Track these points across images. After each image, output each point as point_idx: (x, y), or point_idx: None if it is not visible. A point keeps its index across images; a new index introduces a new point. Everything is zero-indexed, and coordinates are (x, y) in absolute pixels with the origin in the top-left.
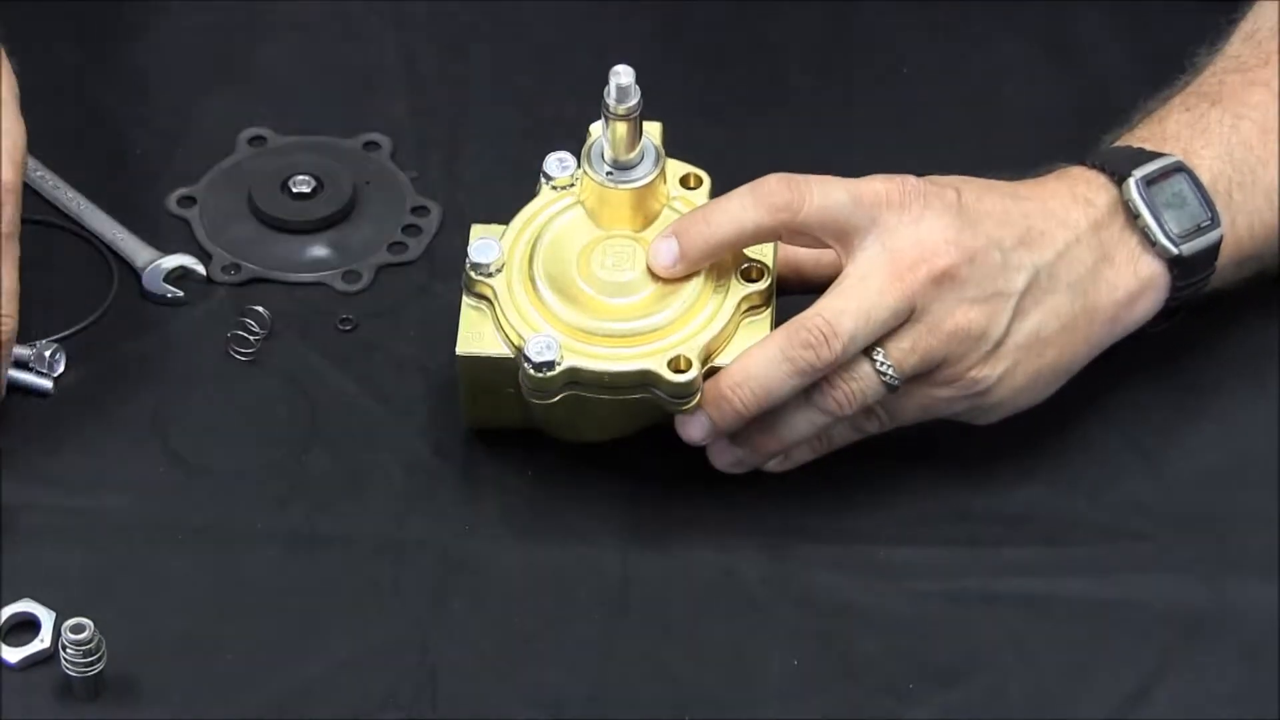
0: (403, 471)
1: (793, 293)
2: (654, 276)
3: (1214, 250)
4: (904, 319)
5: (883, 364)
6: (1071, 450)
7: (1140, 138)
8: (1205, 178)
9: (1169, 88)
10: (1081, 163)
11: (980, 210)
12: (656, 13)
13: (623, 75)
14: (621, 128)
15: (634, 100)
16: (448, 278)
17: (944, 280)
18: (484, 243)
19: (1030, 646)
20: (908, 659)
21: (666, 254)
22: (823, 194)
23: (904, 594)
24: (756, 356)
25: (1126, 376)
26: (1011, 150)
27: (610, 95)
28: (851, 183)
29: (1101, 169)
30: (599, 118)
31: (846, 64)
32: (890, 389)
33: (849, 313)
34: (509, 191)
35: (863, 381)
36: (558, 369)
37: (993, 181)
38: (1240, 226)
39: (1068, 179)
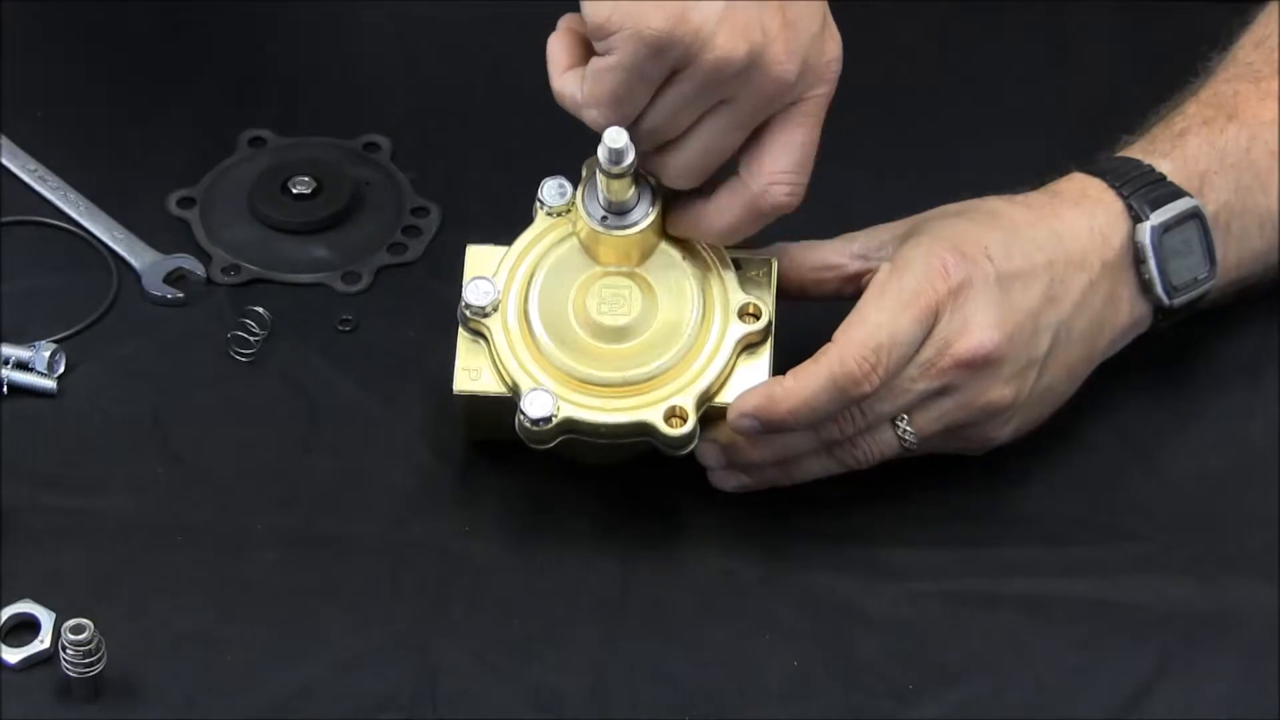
0: (402, 472)
1: (792, 298)
2: (650, 320)
3: (1202, 297)
4: (934, 395)
5: (906, 431)
6: (1071, 451)
7: (1162, 150)
8: (1211, 209)
9: (1180, 91)
10: (1098, 172)
11: (1011, 272)
12: None
13: (615, 138)
14: (616, 184)
15: (628, 160)
16: (448, 278)
17: (983, 366)
18: (479, 283)
19: (1030, 646)
20: (908, 659)
21: (750, 429)
22: (903, 350)
23: (904, 594)
24: (794, 408)
25: (1126, 377)
26: (1012, 150)
27: (603, 157)
28: (909, 296)
29: (1119, 192)
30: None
31: (847, 64)
32: (907, 451)
33: (882, 396)
34: (509, 193)
35: (883, 445)
36: (554, 422)
37: (1012, 219)
38: (1230, 257)
39: (1086, 206)
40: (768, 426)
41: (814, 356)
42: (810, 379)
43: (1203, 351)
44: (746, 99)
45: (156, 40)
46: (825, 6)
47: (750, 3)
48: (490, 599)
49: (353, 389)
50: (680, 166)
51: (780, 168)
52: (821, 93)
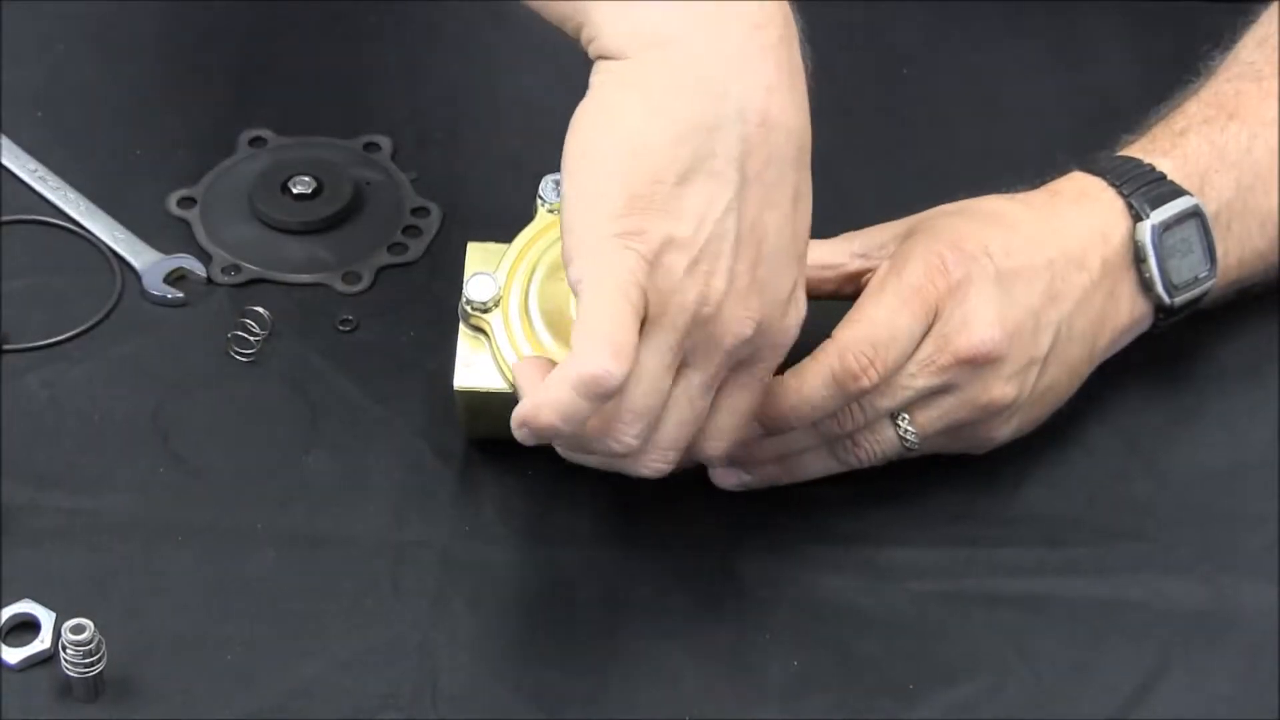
0: (403, 472)
1: None
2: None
3: (1203, 296)
4: (935, 393)
5: (907, 430)
6: (1071, 450)
7: (1162, 149)
8: (1211, 209)
9: (1181, 91)
10: (1098, 171)
11: (1011, 270)
12: None
13: None
14: None
15: None
16: (448, 278)
17: (984, 363)
18: (480, 279)
19: (1030, 646)
20: (908, 659)
21: (752, 433)
22: (902, 345)
23: (904, 594)
24: (794, 404)
25: (1126, 377)
26: (1012, 150)
27: None
28: (908, 292)
29: (1119, 190)
30: None
31: (847, 64)
32: (909, 450)
33: (882, 392)
34: (509, 192)
35: (884, 444)
36: None
37: (1012, 218)
38: (1231, 256)
39: (1086, 204)
40: (768, 426)
41: (813, 354)
42: (809, 375)
43: (1203, 351)
44: (706, 352)
45: (156, 40)
46: (800, 279)
47: (724, 253)
48: (490, 599)
49: (353, 389)
50: (667, 441)
51: (716, 425)
52: (771, 362)
